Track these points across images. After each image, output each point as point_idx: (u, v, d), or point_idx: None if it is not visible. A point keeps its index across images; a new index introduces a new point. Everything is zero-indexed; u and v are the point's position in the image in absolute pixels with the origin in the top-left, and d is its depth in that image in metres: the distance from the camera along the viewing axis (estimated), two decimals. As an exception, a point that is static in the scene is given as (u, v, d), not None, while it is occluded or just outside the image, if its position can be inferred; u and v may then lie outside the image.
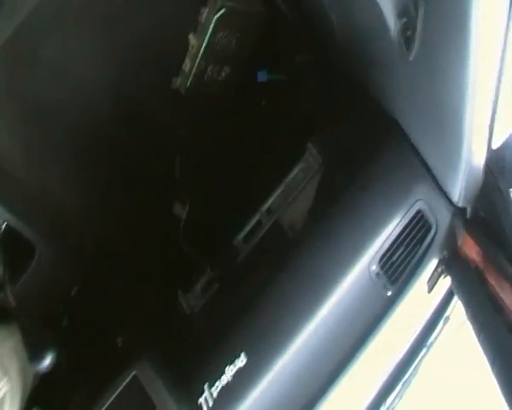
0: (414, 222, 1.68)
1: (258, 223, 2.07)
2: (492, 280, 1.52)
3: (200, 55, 2.18)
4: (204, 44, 2.15)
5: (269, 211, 2.08)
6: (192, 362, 1.68)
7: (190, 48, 2.17)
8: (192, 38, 2.15)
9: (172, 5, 2.08)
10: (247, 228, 2.06)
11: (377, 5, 1.36)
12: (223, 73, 2.35)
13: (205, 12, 2.10)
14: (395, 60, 1.44)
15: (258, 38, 2.34)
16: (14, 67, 1.74)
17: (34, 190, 1.78)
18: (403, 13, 1.27)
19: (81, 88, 1.97)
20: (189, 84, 2.24)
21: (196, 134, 2.35)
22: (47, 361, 1.40)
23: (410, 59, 1.33)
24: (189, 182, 2.31)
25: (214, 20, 2.10)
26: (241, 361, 1.60)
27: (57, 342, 1.48)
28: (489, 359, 1.47)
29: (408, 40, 1.31)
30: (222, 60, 2.30)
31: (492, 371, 1.44)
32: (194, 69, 2.20)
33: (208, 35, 2.14)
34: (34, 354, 1.39)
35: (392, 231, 1.66)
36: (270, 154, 2.26)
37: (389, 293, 1.68)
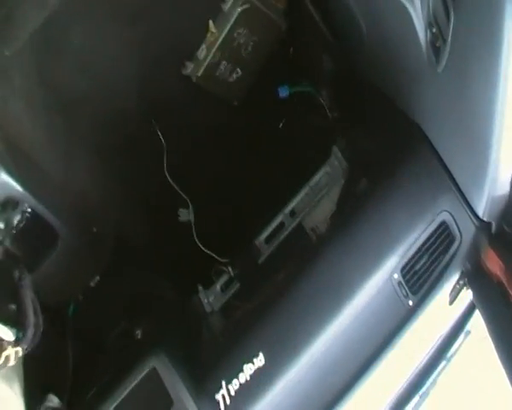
0: (438, 233, 1.66)
1: (281, 224, 2.08)
2: (515, 296, 1.50)
3: (217, 45, 2.16)
4: (223, 35, 2.14)
5: (292, 213, 2.08)
6: (211, 359, 1.70)
7: (209, 35, 2.15)
8: (212, 25, 2.13)
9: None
10: (270, 229, 2.07)
11: (408, 14, 1.36)
12: (234, 75, 2.33)
13: (229, 2, 2.09)
14: (424, 70, 1.44)
15: (272, 52, 2.32)
16: (44, 54, 1.79)
17: (58, 178, 1.80)
18: (433, 23, 1.27)
19: (106, 78, 2.00)
20: (201, 73, 2.22)
21: (217, 134, 2.35)
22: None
23: (439, 70, 1.33)
24: (192, 184, 2.29)
25: (237, 13, 2.09)
26: (260, 361, 1.61)
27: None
28: (509, 376, 1.46)
29: (437, 51, 1.31)
30: (236, 60, 2.28)
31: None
32: (208, 58, 2.19)
33: (229, 26, 2.12)
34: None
35: (416, 240, 1.65)
36: (294, 156, 2.27)
37: (410, 303, 1.67)
